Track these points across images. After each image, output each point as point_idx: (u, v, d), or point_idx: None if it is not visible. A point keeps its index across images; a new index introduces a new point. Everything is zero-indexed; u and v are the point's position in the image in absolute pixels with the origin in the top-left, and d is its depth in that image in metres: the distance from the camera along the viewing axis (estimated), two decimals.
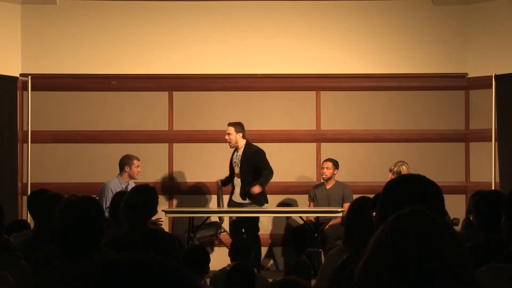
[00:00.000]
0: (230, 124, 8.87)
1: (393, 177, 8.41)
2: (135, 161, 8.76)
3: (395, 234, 1.66)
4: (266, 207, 9.32)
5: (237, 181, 8.82)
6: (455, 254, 1.65)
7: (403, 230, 1.66)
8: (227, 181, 8.96)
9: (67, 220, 3.56)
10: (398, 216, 1.70)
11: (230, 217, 9.02)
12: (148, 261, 1.26)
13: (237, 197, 8.79)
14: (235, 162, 8.86)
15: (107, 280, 1.23)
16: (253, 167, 8.72)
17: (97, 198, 8.23)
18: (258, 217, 8.83)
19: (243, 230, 8.79)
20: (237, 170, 8.83)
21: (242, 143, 8.82)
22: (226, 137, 8.83)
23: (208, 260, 5.47)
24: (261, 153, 8.79)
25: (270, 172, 8.76)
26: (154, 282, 1.24)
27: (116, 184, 8.61)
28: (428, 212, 1.72)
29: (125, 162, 8.76)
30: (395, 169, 8.60)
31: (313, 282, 4.92)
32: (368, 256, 1.67)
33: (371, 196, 3.85)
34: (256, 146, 8.85)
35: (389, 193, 2.54)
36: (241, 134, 8.82)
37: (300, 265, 5.54)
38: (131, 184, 8.68)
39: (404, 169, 8.52)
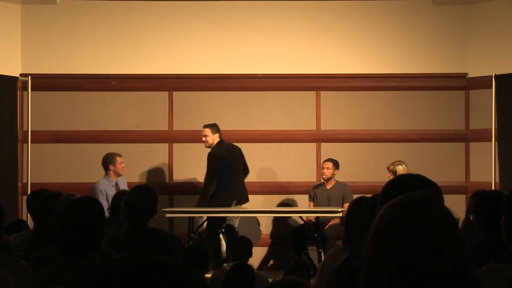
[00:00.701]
0: (206, 126, 8.94)
1: (390, 176, 8.44)
2: (117, 158, 8.79)
3: (395, 220, 1.64)
4: (266, 207, 9.32)
5: None
6: (457, 246, 1.63)
7: (405, 217, 1.64)
8: None
9: (67, 220, 3.56)
10: (402, 200, 1.68)
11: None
12: (153, 261, 1.26)
13: None
14: None
15: (110, 281, 1.23)
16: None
17: None
18: (217, 220, 8.78)
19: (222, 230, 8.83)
20: None
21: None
22: (203, 138, 8.89)
23: (208, 259, 5.47)
24: (211, 156, 8.80)
25: (207, 182, 8.79)
26: (158, 282, 1.23)
27: (105, 184, 8.65)
28: (435, 200, 1.71)
29: (108, 161, 8.79)
30: (391, 167, 8.62)
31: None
32: (369, 243, 1.66)
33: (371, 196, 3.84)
34: (217, 148, 8.84)
35: (389, 194, 2.54)
36: (217, 135, 8.89)
37: (300, 265, 5.53)
38: (121, 180, 8.72)
39: (400, 169, 8.53)
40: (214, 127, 8.93)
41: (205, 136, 8.90)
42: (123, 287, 1.22)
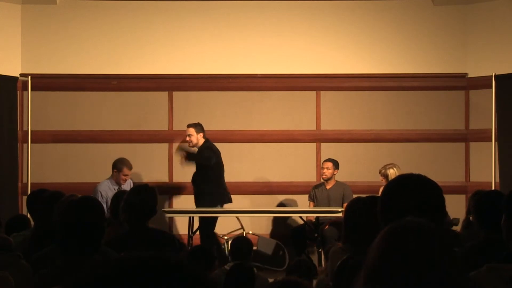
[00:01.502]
0: (189, 126, 8.90)
1: (382, 179, 8.45)
2: (125, 169, 8.69)
3: (388, 245, 1.67)
4: (266, 207, 9.31)
5: None
6: (446, 266, 1.65)
7: (396, 241, 1.67)
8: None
9: (67, 220, 3.56)
10: (391, 227, 1.71)
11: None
12: (164, 260, 1.25)
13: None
14: None
15: (122, 279, 1.23)
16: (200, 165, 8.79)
17: None
18: (209, 220, 8.72)
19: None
20: None
21: (201, 143, 8.86)
22: (187, 138, 8.86)
23: (214, 259, 5.47)
24: (207, 149, 8.76)
25: (204, 163, 8.69)
26: (169, 281, 1.23)
27: (107, 186, 8.60)
28: (422, 224, 1.73)
29: (116, 166, 8.74)
30: (383, 171, 8.59)
31: (313, 282, 4.93)
32: (368, 264, 1.68)
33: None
34: (206, 144, 8.83)
35: (390, 194, 2.53)
36: (201, 134, 8.87)
37: (302, 264, 5.53)
38: (126, 185, 8.66)
39: (391, 172, 8.49)
40: (199, 127, 8.88)
41: (189, 135, 8.85)
42: (134, 286, 1.22)
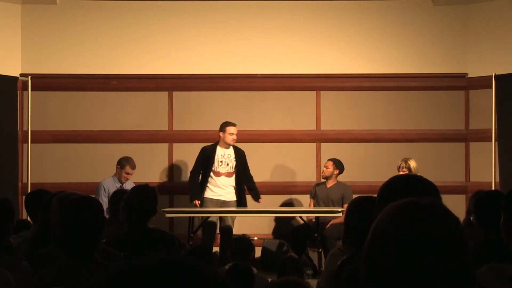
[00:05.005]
0: (235, 125, 8.96)
1: (404, 171, 8.38)
2: (127, 167, 8.77)
3: (397, 221, 1.63)
4: (266, 207, 9.31)
5: (226, 180, 8.86)
6: (460, 249, 1.62)
7: (408, 218, 1.63)
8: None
9: (67, 220, 3.56)
10: (405, 203, 1.68)
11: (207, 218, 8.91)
12: (185, 263, 1.26)
13: (219, 195, 8.84)
14: (222, 160, 8.88)
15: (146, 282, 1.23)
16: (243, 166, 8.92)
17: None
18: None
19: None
20: (227, 168, 8.86)
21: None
22: (235, 137, 8.89)
23: (212, 260, 5.47)
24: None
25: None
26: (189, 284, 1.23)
27: (110, 183, 8.65)
28: (441, 204, 1.70)
29: (120, 162, 8.82)
30: (403, 164, 8.51)
31: (313, 282, 4.93)
32: (369, 244, 1.65)
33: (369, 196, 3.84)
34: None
35: (386, 195, 2.53)
36: None
37: (287, 264, 5.52)
38: (128, 184, 8.68)
39: (412, 164, 8.48)
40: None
41: (233, 134, 8.97)
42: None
